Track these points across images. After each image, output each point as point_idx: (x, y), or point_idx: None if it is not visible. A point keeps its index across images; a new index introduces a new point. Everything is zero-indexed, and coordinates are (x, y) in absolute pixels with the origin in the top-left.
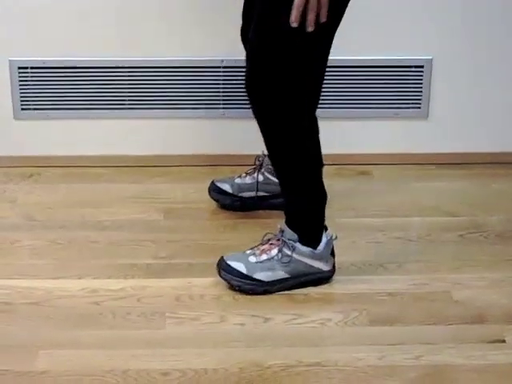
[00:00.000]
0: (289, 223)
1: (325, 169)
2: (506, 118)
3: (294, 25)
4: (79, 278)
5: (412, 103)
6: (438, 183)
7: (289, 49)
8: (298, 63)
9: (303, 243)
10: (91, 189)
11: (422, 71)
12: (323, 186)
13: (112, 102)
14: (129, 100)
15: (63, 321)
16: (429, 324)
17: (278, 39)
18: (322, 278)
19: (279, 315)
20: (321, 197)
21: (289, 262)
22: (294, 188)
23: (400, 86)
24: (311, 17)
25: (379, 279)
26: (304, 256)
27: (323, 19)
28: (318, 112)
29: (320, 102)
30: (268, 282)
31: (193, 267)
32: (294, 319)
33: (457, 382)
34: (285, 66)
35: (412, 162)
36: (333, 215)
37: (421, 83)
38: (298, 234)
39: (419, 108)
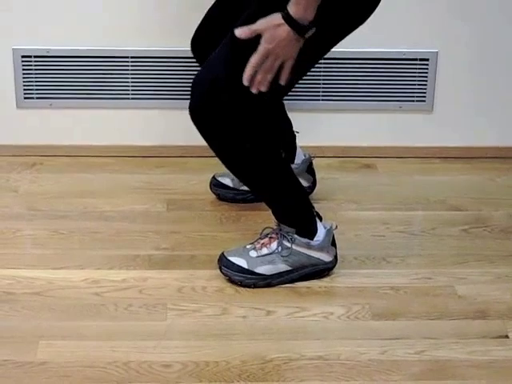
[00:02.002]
0: (280, 220)
1: (328, 161)
2: (511, 111)
3: (246, 83)
4: (81, 269)
5: (417, 96)
6: (442, 177)
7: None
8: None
9: (300, 235)
10: (94, 179)
11: (427, 64)
12: (296, 179)
13: (116, 91)
14: (132, 90)
15: (65, 311)
16: (432, 319)
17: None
18: (324, 269)
19: (282, 308)
20: (293, 184)
21: (289, 254)
22: (269, 193)
23: (405, 79)
24: (262, 77)
25: (382, 273)
26: (304, 247)
27: (282, 82)
28: (323, 105)
29: (324, 94)
30: (270, 275)
31: (195, 259)
32: (297, 312)
33: (459, 378)
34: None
35: (416, 155)
36: (336, 208)
37: (426, 76)
38: (293, 228)
39: (424, 101)
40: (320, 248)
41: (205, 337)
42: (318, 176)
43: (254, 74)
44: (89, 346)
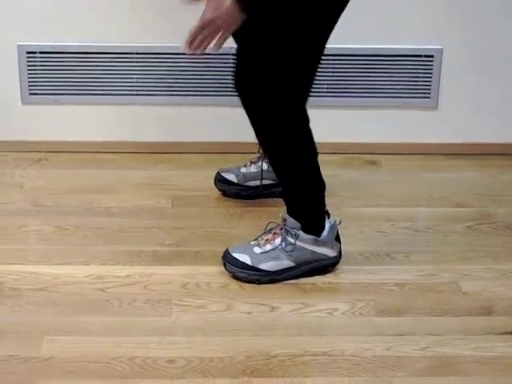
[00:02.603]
0: (290, 213)
1: (333, 158)
2: None
3: (185, 46)
4: (86, 264)
5: (421, 93)
6: (447, 174)
7: (280, 47)
8: (287, 59)
9: (306, 232)
10: (99, 175)
11: (432, 61)
12: (320, 174)
13: (121, 87)
14: (138, 86)
15: (69, 307)
16: (436, 315)
17: (271, 38)
18: (329, 265)
19: (286, 304)
20: (319, 185)
21: (293, 250)
22: (292, 179)
23: (410, 75)
24: (199, 42)
25: (387, 269)
26: (308, 243)
27: (215, 49)
28: (328, 101)
29: (329, 90)
30: (274, 271)
31: (200, 255)
32: (301, 308)
33: (463, 374)
34: (275, 62)
35: (421, 152)
36: (340, 204)
37: (430, 73)
38: (300, 223)
39: (429, 98)
40: (324, 243)
41: (209, 332)
42: (322, 173)
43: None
44: (93, 341)
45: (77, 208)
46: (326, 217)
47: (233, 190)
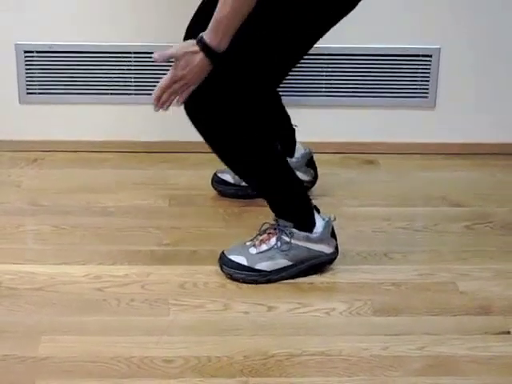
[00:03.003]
0: (278, 216)
1: (330, 157)
2: None
3: (153, 102)
4: (83, 264)
5: (419, 92)
6: (445, 173)
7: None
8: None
9: (299, 229)
10: (96, 174)
11: (429, 60)
12: (292, 174)
13: (118, 87)
14: (135, 85)
15: (67, 306)
16: (433, 315)
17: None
18: (326, 261)
19: (283, 304)
20: (294, 185)
21: (289, 249)
22: (266, 187)
23: (407, 75)
24: (167, 98)
25: (384, 269)
26: (303, 241)
27: (179, 103)
28: (325, 100)
29: (327, 90)
30: (270, 271)
31: (197, 254)
32: (298, 308)
33: (460, 373)
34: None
35: (418, 151)
36: (338, 204)
37: (428, 72)
38: (291, 222)
39: (426, 97)
40: (320, 240)
41: (207, 332)
42: (319, 172)
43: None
44: (91, 341)
45: (74, 207)
46: (316, 212)
47: (229, 191)
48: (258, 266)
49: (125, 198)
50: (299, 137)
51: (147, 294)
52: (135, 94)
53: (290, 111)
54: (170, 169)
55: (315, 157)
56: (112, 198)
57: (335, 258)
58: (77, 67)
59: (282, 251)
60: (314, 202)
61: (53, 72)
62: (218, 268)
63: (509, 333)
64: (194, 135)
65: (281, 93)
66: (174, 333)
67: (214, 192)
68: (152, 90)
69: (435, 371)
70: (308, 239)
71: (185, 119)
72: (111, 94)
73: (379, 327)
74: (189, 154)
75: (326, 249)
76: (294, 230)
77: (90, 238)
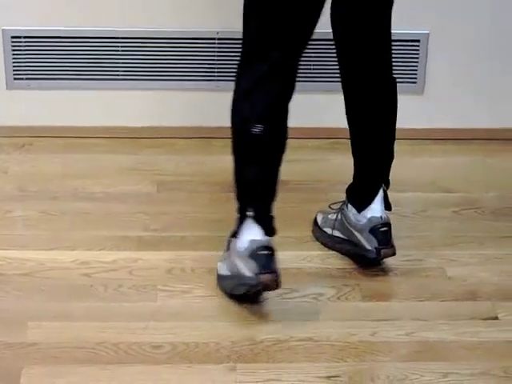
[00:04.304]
0: None
1: (319, 143)
2: (503, 93)
3: None
4: (71, 250)
5: (407, 78)
6: (433, 159)
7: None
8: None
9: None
10: (84, 160)
11: (418, 46)
12: (246, 171)
13: (106, 72)
14: (123, 71)
15: (54, 292)
16: (422, 300)
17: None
18: (243, 285)
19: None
20: (237, 179)
21: (226, 258)
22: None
23: (396, 60)
24: None
25: None
26: (231, 249)
27: None
28: (314, 86)
29: (317, 75)
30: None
31: (185, 240)
32: (287, 293)
33: (449, 359)
34: None
35: (407, 137)
36: (328, 189)
37: (417, 58)
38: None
39: (415, 83)
40: (238, 254)
41: (194, 318)
42: (309, 157)
43: None
44: (78, 326)
45: (62, 193)
46: (245, 221)
47: None
48: (220, 272)
49: (113, 183)
50: (291, 122)
51: (135, 280)
52: (123, 80)
53: None
54: (158, 154)
55: (295, 142)
56: (100, 183)
57: (253, 285)
58: (64, 52)
59: (223, 260)
60: (304, 187)
61: (40, 57)
62: (206, 253)
63: (497, 318)
64: (182, 121)
65: None
66: (161, 318)
67: (202, 177)
68: (140, 74)
69: (424, 357)
70: (231, 247)
71: (173, 105)
72: (99, 79)
73: (367, 313)
74: (177, 140)
75: (244, 270)
76: (231, 239)
77: (78, 223)
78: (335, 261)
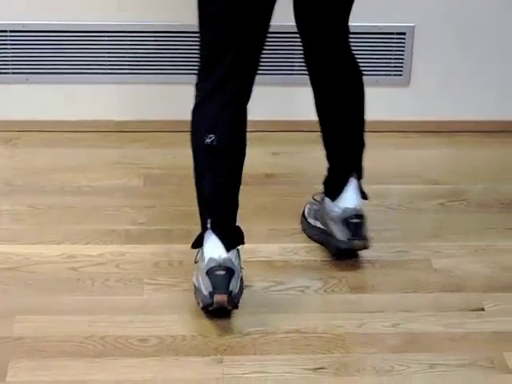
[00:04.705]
0: None
1: (305, 136)
2: (489, 85)
3: None
4: (58, 244)
5: (393, 70)
6: (420, 151)
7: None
8: None
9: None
10: (71, 154)
11: (404, 38)
12: (203, 181)
13: (92, 66)
14: (109, 64)
15: (41, 286)
16: (408, 292)
17: None
18: (202, 303)
19: (258, 282)
20: (198, 191)
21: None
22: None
23: (381, 53)
24: None
25: None
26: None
27: None
28: (299, 79)
29: (300, 68)
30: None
31: (172, 234)
32: (273, 286)
33: (435, 350)
34: None
35: (393, 129)
36: (312, 182)
37: (403, 50)
38: None
39: (401, 75)
40: (199, 271)
41: (181, 311)
42: (294, 150)
43: None
44: (65, 320)
45: (49, 187)
46: (205, 233)
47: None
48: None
49: (99, 177)
50: (275, 115)
51: (122, 274)
52: (110, 74)
53: (265, 90)
54: (144, 148)
55: (280, 135)
56: (86, 177)
57: (207, 305)
58: (50, 47)
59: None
60: (289, 180)
61: (26, 51)
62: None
63: (483, 309)
64: (168, 114)
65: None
66: (148, 312)
67: (188, 171)
68: (127, 68)
69: (410, 348)
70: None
71: (159, 98)
72: (85, 73)
73: (354, 305)
74: (163, 133)
75: (202, 288)
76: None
77: (65, 217)
78: (321, 253)
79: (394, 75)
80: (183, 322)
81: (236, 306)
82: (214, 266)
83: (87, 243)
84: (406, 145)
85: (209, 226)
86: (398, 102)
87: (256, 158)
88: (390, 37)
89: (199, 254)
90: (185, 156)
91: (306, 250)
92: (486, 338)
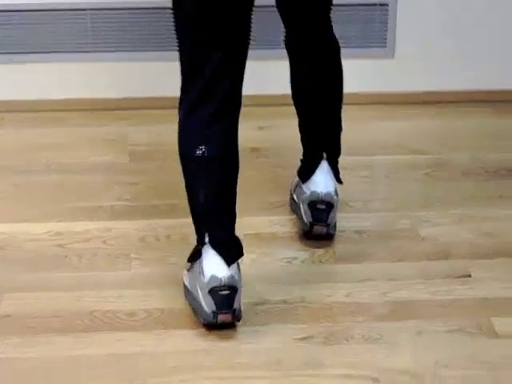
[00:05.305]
0: None
1: (290, 109)
2: (472, 55)
3: None
4: (44, 222)
5: (377, 42)
6: (404, 122)
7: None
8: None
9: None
10: (56, 133)
11: (387, 9)
12: (196, 194)
13: (75, 44)
14: (92, 42)
15: (28, 264)
16: (395, 261)
17: None
18: (200, 315)
19: (246, 253)
20: (191, 202)
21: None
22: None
23: (365, 24)
24: None
25: (345, 217)
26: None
27: None
28: (283, 52)
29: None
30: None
31: (158, 209)
32: (260, 258)
33: (423, 317)
34: None
35: (378, 101)
36: (298, 155)
37: (386, 22)
38: None
39: (385, 47)
40: (200, 287)
41: (169, 285)
42: (279, 124)
43: None
44: (53, 297)
45: (34, 166)
46: (203, 247)
47: None
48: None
49: (85, 155)
50: (260, 89)
51: (109, 249)
52: (93, 52)
53: (250, 64)
54: (129, 125)
55: (266, 110)
56: (72, 155)
57: (209, 324)
58: (33, 26)
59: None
60: (275, 153)
61: (9, 31)
62: (178, 221)
63: (470, 276)
64: (152, 91)
65: None
66: (136, 286)
67: (173, 147)
68: (110, 46)
69: (398, 316)
70: (188, 272)
71: (143, 75)
72: (69, 51)
73: (341, 275)
74: (148, 111)
75: (204, 304)
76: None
77: (50, 195)
78: None
79: (378, 47)
80: (171, 296)
81: (239, 321)
82: (217, 286)
83: (73, 220)
84: (391, 116)
85: (207, 240)
86: (382, 74)
87: (241, 132)
88: (373, 8)
89: (196, 265)
90: (170, 133)
91: (293, 222)
92: (474, 304)
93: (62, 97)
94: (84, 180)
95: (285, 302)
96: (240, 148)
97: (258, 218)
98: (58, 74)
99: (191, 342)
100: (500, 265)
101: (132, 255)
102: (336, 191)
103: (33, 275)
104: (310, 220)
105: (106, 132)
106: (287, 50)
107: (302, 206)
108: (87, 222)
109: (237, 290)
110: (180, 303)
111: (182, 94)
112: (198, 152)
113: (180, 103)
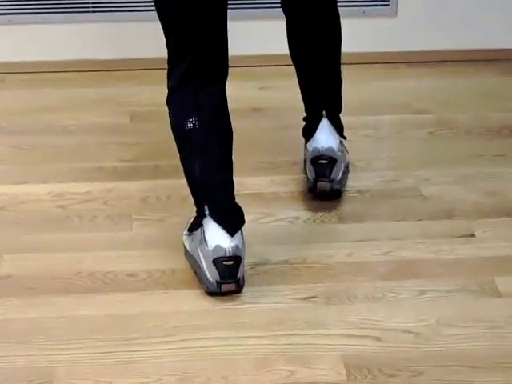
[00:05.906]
0: None
1: (291, 69)
2: (476, 14)
3: None
4: (44, 183)
5: (380, 0)
6: (407, 81)
7: None
8: None
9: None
10: (56, 94)
11: None
12: (192, 168)
13: (76, 5)
14: (92, 3)
15: (29, 225)
16: (398, 220)
17: None
18: (202, 283)
19: (247, 214)
20: (186, 172)
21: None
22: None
23: None
24: None
25: (349, 177)
26: (190, 241)
27: None
28: (277, 12)
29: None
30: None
31: (159, 169)
32: (262, 218)
33: (426, 276)
34: None
35: (381, 60)
36: (299, 115)
37: None
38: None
39: (388, 5)
40: (204, 255)
41: (170, 245)
42: (281, 84)
43: None
44: (54, 258)
45: (34, 127)
46: (204, 219)
47: None
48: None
49: (85, 116)
50: (262, 49)
51: (110, 210)
52: (93, 12)
53: (252, 24)
54: (131, 86)
55: (267, 70)
56: (72, 116)
57: (211, 293)
58: None
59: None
60: (277, 113)
61: None
62: (179, 182)
63: (473, 235)
64: (153, 52)
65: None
66: (137, 247)
67: None
68: (110, 7)
69: (401, 275)
70: (190, 239)
71: (143, 36)
72: (70, 12)
73: (343, 234)
74: (149, 71)
75: (207, 273)
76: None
77: (51, 156)
78: None
79: (381, 5)
80: (172, 256)
81: (242, 287)
82: (222, 257)
83: (74, 181)
84: (394, 75)
85: (207, 213)
86: (385, 33)
87: (243, 92)
88: None
89: (198, 232)
90: None
91: (295, 182)
92: (477, 263)
93: (62, 58)
94: (85, 141)
95: (286, 262)
96: (241, 108)
97: (259, 178)
98: (58, 35)
99: (192, 302)
100: (503, 224)
101: (133, 216)
102: (340, 147)
103: (33, 236)
104: (314, 176)
105: (107, 93)
106: (282, 6)
107: (307, 164)
108: (88, 182)
109: (241, 259)
110: (181, 264)
111: (170, 69)
112: (189, 125)
113: (169, 78)
